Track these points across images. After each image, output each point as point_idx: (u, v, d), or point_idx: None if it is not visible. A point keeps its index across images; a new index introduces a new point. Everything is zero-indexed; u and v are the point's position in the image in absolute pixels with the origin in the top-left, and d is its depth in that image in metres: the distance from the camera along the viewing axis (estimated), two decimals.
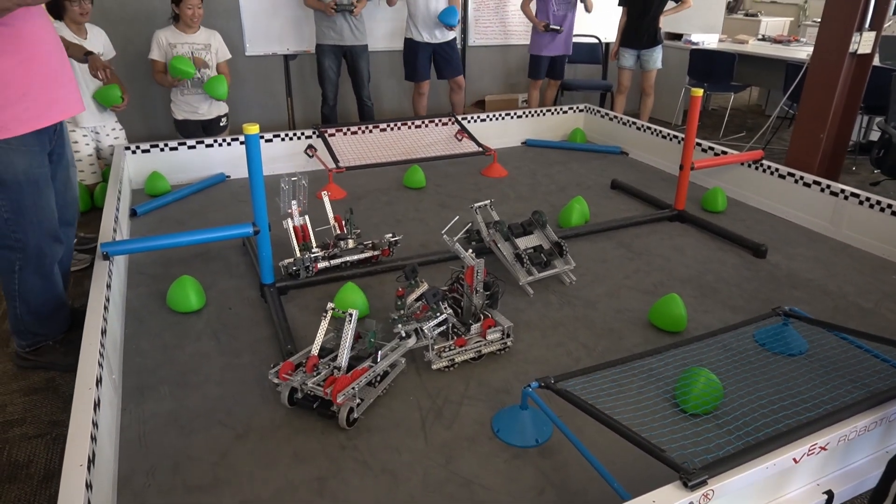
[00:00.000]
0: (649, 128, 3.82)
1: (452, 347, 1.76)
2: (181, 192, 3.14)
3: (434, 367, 1.76)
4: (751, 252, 2.57)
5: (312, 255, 2.22)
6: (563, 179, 3.49)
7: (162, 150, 3.32)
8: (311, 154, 3.52)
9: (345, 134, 3.63)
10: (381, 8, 4.68)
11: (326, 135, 3.51)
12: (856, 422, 1.31)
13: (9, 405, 1.94)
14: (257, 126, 1.91)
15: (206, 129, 3.79)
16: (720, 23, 6.74)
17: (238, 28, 4.45)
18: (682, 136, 3.26)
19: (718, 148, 3.33)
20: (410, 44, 4.50)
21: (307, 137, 3.57)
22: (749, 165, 3.16)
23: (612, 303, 2.18)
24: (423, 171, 3.34)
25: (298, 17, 4.55)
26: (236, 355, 1.86)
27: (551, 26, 4.75)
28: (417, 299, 1.82)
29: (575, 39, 5.09)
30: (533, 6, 4.88)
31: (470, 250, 1.96)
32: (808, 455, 1.24)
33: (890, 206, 2.54)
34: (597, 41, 5.67)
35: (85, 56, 2.98)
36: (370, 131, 3.70)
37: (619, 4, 5.01)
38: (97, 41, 3.30)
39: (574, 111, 4.37)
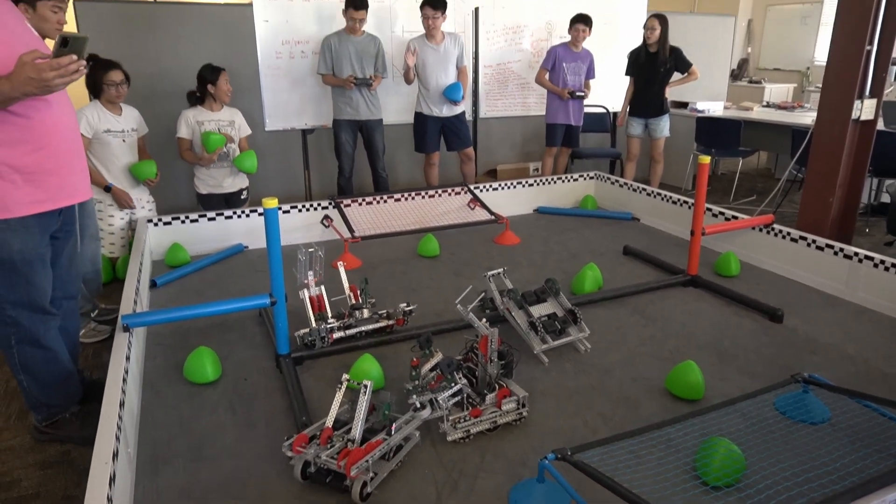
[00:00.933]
0: (659, 194, 3.88)
1: (468, 418, 1.75)
2: (200, 262, 3.21)
3: (449, 438, 1.74)
4: (767, 317, 2.55)
5: (328, 326, 2.24)
6: (576, 246, 3.52)
7: (183, 221, 3.42)
8: (327, 224, 3.60)
9: (360, 204, 3.72)
10: (395, 83, 4.89)
11: (342, 205, 3.60)
12: (885, 494, 1.27)
13: (24, 479, 1.94)
14: (276, 200, 1.98)
15: (227, 202, 3.91)
16: (725, 90, 6.94)
17: (258, 104, 4.65)
18: (692, 201, 3.30)
19: (729, 213, 3.37)
20: (420, 117, 4.68)
21: (323, 208, 3.67)
22: (760, 230, 3.18)
23: (628, 370, 2.16)
24: (436, 240, 3.39)
25: (316, 94, 4.76)
26: (251, 427, 1.85)
27: (577, 93, 4.94)
28: (432, 369, 1.83)
29: (585, 110, 5.26)
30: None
31: (484, 319, 1.97)
32: None
33: None
34: (605, 111, 5.85)
35: (106, 189, 3.21)
36: (385, 201, 3.79)
37: (626, 74, 5.19)
38: (130, 119, 3.48)
39: (585, 178, 4.45)
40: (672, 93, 5.26)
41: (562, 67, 4.97)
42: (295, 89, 4.73)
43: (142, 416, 1.91)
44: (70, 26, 2.67)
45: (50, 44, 2.14)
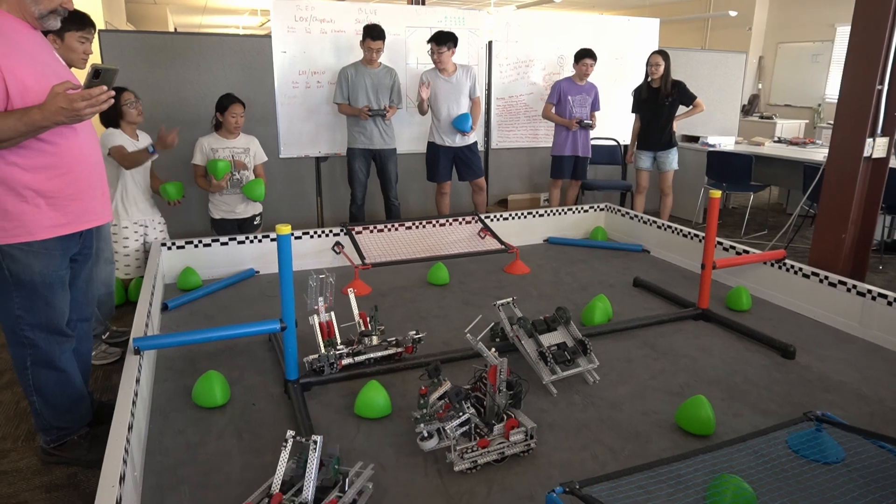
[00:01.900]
0: (670, 226, 3.88)
1: (475, 448, 1.74)
2: (211, 286, 3.23)
3: (456, 468, 1.73)
4: (779, 353, 2.53)
5: (337, 352, 2.25)
6: (586, 277, 3.52)
7: (196, 246, 3.46)
8: (338, 251, 3.63)
9: (371, 232, 3.75)
10: (409, 113, 4.97)
11: (354, 232, 3.63)
12: None
13: (30, 502, 1.93)
14: (289, 227, 2.00)
15: (240, 228, 3.95)
16: (736, 125, 6.97)
17: (274, 133, 4.73)
18: (703, 234, 3.30)
19: (740, 247, 3.36)
20: (433, 147, 4.74)
21: (335, 235, 3.70)
22: (772, 264, 3.17)
23: (637, 404, 2.14)
24: (446, 269, 3.41)
25: (330, 123, 4.84)
26: (258, 454, 1.85)
27: (584, 121, 4.99)
28: (440, 398, 1.82)
29: (593, 142, 5.30)
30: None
31: (493, 349, 1.97)
32: None
33: None
34: (615, 143, 5.89)
35: (150, 151, 3.21)
36: (396, 229, 3.82)
37: (633, 111, 5.25)
38: (146, 143, 3.54)
39: (595, 210, 4.47)
40: (682, 127, 5.30)
41: (567, 100, 5.04)
42: (310, 118, 4.81)
43: (149, 440, 1.91)
44: (94, 56, 2.75)
45: (76, 72, 2.21)
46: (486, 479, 1.73)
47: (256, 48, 4.95)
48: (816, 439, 1.82)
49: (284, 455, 1.56)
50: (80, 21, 2.56)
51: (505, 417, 1.82)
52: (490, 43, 5.24)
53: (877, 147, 3.25)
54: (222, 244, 3.51)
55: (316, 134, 4.86)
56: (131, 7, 11.78)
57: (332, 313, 2.39)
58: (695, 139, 6.44)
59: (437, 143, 4.69)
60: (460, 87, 4.62)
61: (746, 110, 9.25)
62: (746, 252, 3.30)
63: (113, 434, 1.53)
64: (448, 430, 1.72)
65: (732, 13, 10.07)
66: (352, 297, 2.51)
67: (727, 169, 5.73)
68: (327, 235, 3.70)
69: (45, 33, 2.03)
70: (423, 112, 4.65)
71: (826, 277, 2.90)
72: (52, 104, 1.69)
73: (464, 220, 3.99)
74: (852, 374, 2.37)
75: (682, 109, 5.10)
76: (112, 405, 1.69)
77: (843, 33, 9.01)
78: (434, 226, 3.90)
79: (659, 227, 3.97)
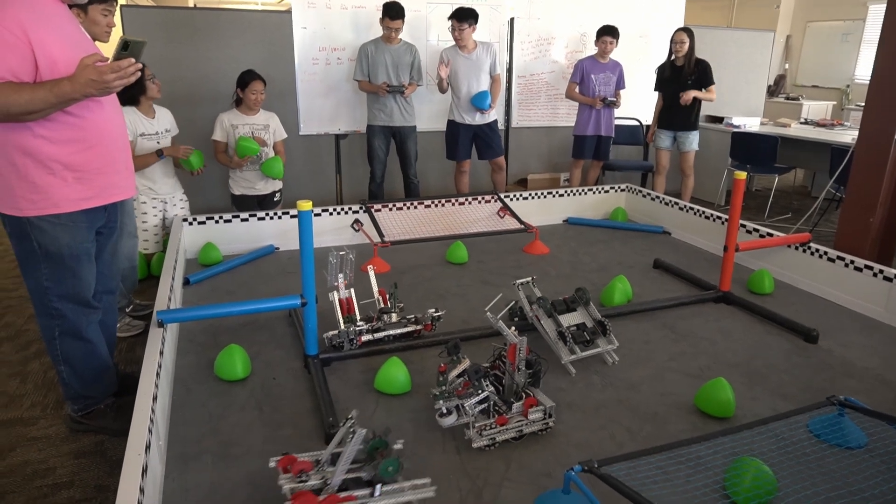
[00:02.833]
0: (692, 208, 3.83)
1: (493, 426, 1.75)
2: (232, 262, 3.26)
3: (475, 445, 1.74)
4: (801, 337, 2.50)
5: (357, 328, 2.26)
6: (605, 258, 3.50)
7: (217, 222, 3.49)
8: (357, 228, 3.63)
9: (390, 209, 3.75)
10: (429, 91, 4.93)
11: (373, 210, 3.63)
12: None
13: (59, 468, 1.99)
14: (310, 203, 2.00)
15: (261, 204, 3.98)
16: (761, 106, 6.83)
17: (294, 109, 4.73)
18: (726, 216, 3.25)
19: (763, 230, 3.31)
20: (452, 125, 4.70)
21: (354, 212, 3.70)
22: (796, 248, 3.12)
23: (656, 386, 2.13)
24: (465, 248, 3.40)
25: (350, 100, 4.82)
26: (278, 427, 1.87)
27: (609, 99, 4.91)
28: (459, 375, 1.83)
29: (616, 122, 5.23)
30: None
31: (513, 328, 1.97)
32: None
33: None
34: (637, 123, 5.80)
35: (159, 155, 3.31)
36: (415, 207, 3.81)
37: (655, 90, 5.16)
38: (164, 119, 3.57)
39: (616, 191, 4.42)
40: (707, 107, 5.19)
41: (590, 79, 4.96)
42: (330, 95, 4.79)
43: (172, 412, 1.94)
44: (116, 30, 2.75)
45: (99, 46, 2.21)
46: (504, 457, 1.74)
47: (276, 24, 4.93)
48: (838, 424, 1.80)
49: (339, 435, 1.51)
50: None
51: (524, 396, 1.83)
52: (512, 20, 5.16)
53: None
54: (243, 220, 3.54)
55: (336, 111, 4.84)
56: None
57: (352, 290, 2.40)
58: (719, 120, 6.32)
59: (457, 120, 4.65)
60: (480, 64, 4.57)
61: (772, 91, 9.05)
62: (770, 235, 3.25)
63: (139, 403, 1.56)
64: (467, 407, 1.73)
65: None
66: (371, 274, 2.52)
67: (752, 150, 5.63)
68: (346, 213, 3.70)
69: (70, 7, 2.04)
70: (443, 90, 4.62)
71: (852, 261, 2.85)
72: (82, 76, 1.70)
73: (483, 199, 3.97)
74: (876, 361, 2.34)
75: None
76: (136, 376, 1.72)
77: (875, 11, 8.72)
78: (453, 204, 3.89)
79: (681, 208, 3.91)
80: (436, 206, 3.86)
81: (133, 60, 1.75)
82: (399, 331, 2.34)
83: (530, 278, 2.51)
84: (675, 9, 5.70)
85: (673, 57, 4.94)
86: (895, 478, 1.58)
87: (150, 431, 1.48)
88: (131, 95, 3.31)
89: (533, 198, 4.16)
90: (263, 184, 3.98)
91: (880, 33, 3.21)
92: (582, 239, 3.87)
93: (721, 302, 2.85)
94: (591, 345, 2.26)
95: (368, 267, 2.59)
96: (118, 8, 2.76)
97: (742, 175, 2.67)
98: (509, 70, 5.23)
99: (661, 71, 5.08)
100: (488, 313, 2.07)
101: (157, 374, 1.76)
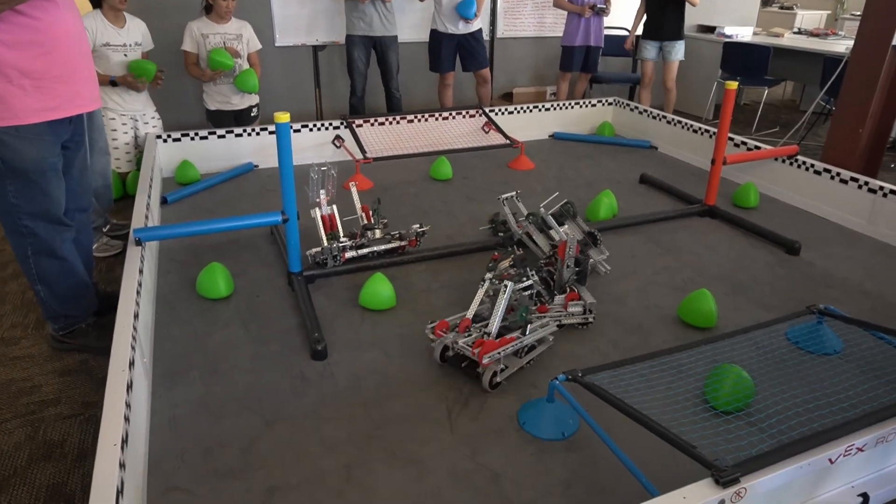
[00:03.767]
0: (679, 122, 3.76)
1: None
2: (210, 180, 3.17)
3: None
4: (784, 249, 2.51)
5: (340, 245, 2.23)
6: (591, 173, 3.45)
7: (192, 139, 3.36)
8: (338, 145, 3.53)
9: (372, 125, 3.63)
10: (411, 0, 4.67)
11: (354, 125, 3.52)
12: (894, 423, 1.27)
13: (44, 385, 1.99)
14: (288, 115, 1.92)
15: (237, 119, 3.83)
16: (755, 15, 6.60)
17: (268, 19, 4.48)
18: (714, 130, 3.20)
19: (751, 143, 3.26)
20: (435, 35, 4.49)
21: (335, 128, 3.59)
22: (783, 161, 3.09)
23: (640, 299, 2.15)
24: (449, 163, 3.33)
25: (328, 8, 4.56)
26: (264, 343, 1.87)
27: (598, 6, 4.68)
28: (511, 265, 1.97)
29: (605, 32, 5.03)
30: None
31: (565, 226, 2.15)
32: (844, 456, 1.21)
33: None
34: (627, 33, 5.60)
35: (112, 84, 3.21)
36: (397, 122, 3.70)
37: None
38: (136, 32, 3.35)
39: (603, 104, 4.31)
40: (699, 16, 4.97)
41: None
42: (306, 3, 4.53)
43: (156, 330, 1.93)
44: None
45: None
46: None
47: None
48: (816, 332, 1.84)
49: (480, 292, 1.81)
50: None
51: (568, 291, 1.96)
52: None
53: None
54: (219, 137, 3.42)
55: (313, 20, 4.60)
56: None
57: (335, 207, 2.35)
58: (711, 29, 6.11)
59: (440, 30, 4.44)
60: None
61: (766, 0, 8.74)
62: (758, 148, 3.21)
63: (119, 321, 1.54)
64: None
65: None
66: (353, 190, 2.47)
67: (743, 61, 5.48)
68: (327, 129, 3.59)
69: None
70: None
71: (838, 174, 2.83)
72: None
73: (467, 113, 3.85)
74: (856, 271, 2.37)
75: None
76: (117, 295, 1.69)
77: None
78: (437, 119, 3.78)
79: (668, 122, 3.84)
80: (419, 120, 3.75)
81: None
82: (383, 247, 2.31)
83: (514, 192, 2.47)
84: None
85: None
86: (868, 381, 1.62)
87: (132, 348, 1.47)
88: None
89: (518, 112, 4.05)
90: (239, 98, 3.81)
91: None
92: (568, 154, 3.81)
93: (706, 216, 2.85)
94: (584, 256, 2.26)
95: (351, 184, 2.53)
96: None
97: (733, 85, 2.59)
98: None
99: None
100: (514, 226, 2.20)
101: (138, 293, 1.73)
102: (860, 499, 1.32)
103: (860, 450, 1.23)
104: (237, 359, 1.80)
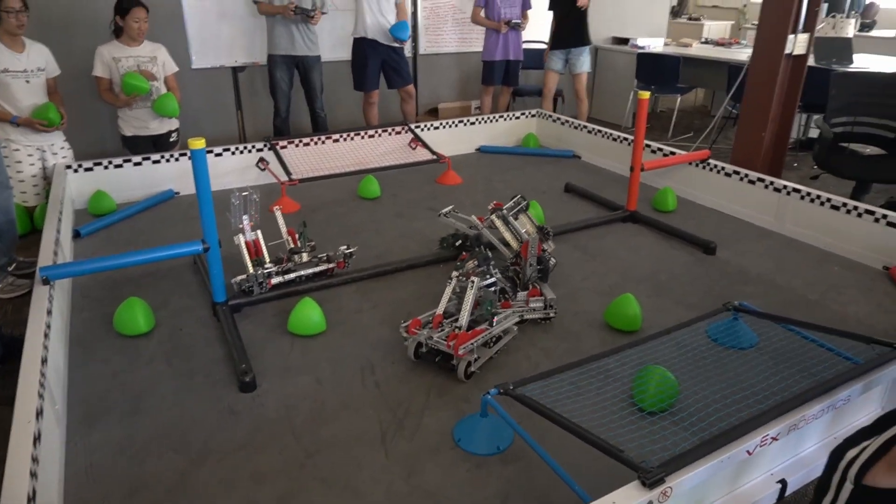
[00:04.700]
0: (600, 131, 3.89)
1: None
2: (128, 210, 3.04)
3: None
4: (701, 249, 2.63)
5: (265, 271, 2.18)
6: (519, 184, 3.52)
7: (106, 167, 3.21)
8: (262, 167, 3.45)
9: (297, 146, 3.58)
10: (331, 18, 4.65)
11: (278, 147, 3.46)
12: (804, 411, 1.35)
13: None
14: (203, 141, 1.86)
15: (156, 145, 3.70)
16: (665, 27, 6.95)
17: (183, 40, 4.36)
18: (632, 138, 3.32)
19: (667, 149, 3.41)
20: (360, 44, 4.45)
21: (258, 150, 3.51)
22: (697, 165, 3.25)
23: (569, 305, 2.19)
24: (377, 181, 3.32)
25: (247, 28, 4.49)
26: (190, 377, 1.80)
27: (513, 21, 4.80)
28: (476, 265, 2.07)
29: (525, 45, 5.16)
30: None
31: (526, 229, 2.23)
32: (760, 446, 1.27)
33: (829, 199, 2.64)
34: (546, 46, 5.76)
35: (13, 123, 3.11)
36: (323, 142, 3.66)
37: (549, 9, 5.10)
38: (37, 57, 3.19)
39: (527, 116, 4.41)
40: (613, 29, 5.17)
41: (495, 2, 4.83)
42: (223, 22, 4.44)
43: (70, 372, 1.82)
44: None
45: None
46: (424, 385, 1.75)
47: None
48: (733, 328, 1.93)
49: (448, 290, 1.91)
50: None
51: (531, 287, 2.07)
52: None
53: (798, 43, 3.30)
54: (136, 164, 3.28)
55: (231, 41, 4.51)
56: None
57: (259, 232, 2.29)
58: (625, 41, 6.38)
59: (367, 36, 4.39)
60: None
61: (675, 12, 9.20)
62: (673, 154, 3.36)
63: (24, 368, 1.45)
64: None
65: None
66: (278, 214, 2.42)
67: (656, 71, 5.75)
68: (250, 151, 3.50)
69: None
70: None
71: (746, 175, 3.00)
72: None
73: (393, 130, 3.86)
74: (768, 266, 2.50)
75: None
76: (22, 339, 1.58)
77: None
78: (363, 137, 3.77)
79: (589, 132, 3.97)
80: (345, 139, 3.72)
81: None
82: (311, 270, 2.27)
83: (451, 207, 2.50)
84: None
85: None
86: (780, 371, 1.71)
87: (40, 396, 1.38)
88: None
89: (444, 127, 4.09)
90: (158, 123, 3.68)
91: None
92: (495, 167, 3.87)
93: (629, 221, 2.95)
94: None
95: (275, 207, 2.47)
96: None
97: (645, 94, 2.70)
98: None
99: None
100: (484, 229, 2.33)
101: (46, 335, 1.62)
102: (779, 485, 1.39)
103: (775, 439, 1.29)
104: (160, 396, 1.72)
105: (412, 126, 3.91)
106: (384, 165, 3.45)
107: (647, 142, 3.33)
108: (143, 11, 3.46)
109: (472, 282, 1.85)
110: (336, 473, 1.45)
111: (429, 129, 4.01)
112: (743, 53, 5.92)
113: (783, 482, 1.40)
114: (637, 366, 1.72)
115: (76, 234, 2.75)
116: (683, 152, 3.36)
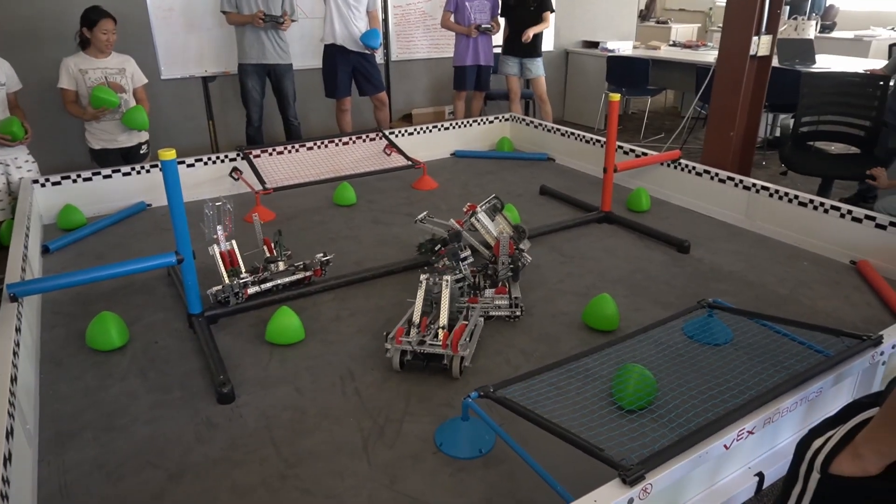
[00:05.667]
0: (573, 134, 3.93)
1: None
2: (98, 224, 2.98)
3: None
4: (675, 248, 2.67)
5: (241, 281, 2.15)
6: (494, 188, 3.53)
7: (75, 181, 3.16)
8: (236, 177, 3.42)
9: (270, 154, 3.55)
10: (301, 26, 4.64)
11: (252, 156, 3.43)
12: (778, 404, 1.37)
13: None
14: (173, 151, 1.84)
15: (125, 158, 3.64)
16: (633, 30, 7.06)
17: (152, 51, 4.31)
18: (605, 139, 3.37)
19: (639, 150, 3.46)
20: (330, 51, 4.44)
21: (231, 160, 3.48)
22: (668, 165, 3.30)
23: (547, 307, 2.21)
24: (353, 188, 3.31)
25: (216, 38, 4.45)
26: (166, 391, 1.77)
27: (483, 26, 4.84)
28: (444, 259, 2.09)
29: (495, 50, 5.20)
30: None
31: (500, 228, 2.26)
32: (737, 440, 1.29)
33: (797, 196, 2.70)
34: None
35: None
36: (297, 150, 3.64)
37: (501, 15, 5.17)
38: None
39: (500, 120, 4.44)
40: (582, 32, 5.25)
41: (465, 7, 4.87)
42: (192, 32, 4.40)
43: (42, 391, 1.78)
44: None
45: None
46: (405, 392, 1.75)
47: None
48: (708, 324, 1.96)
49: (420, 292, 1.88)
50: None
51: (500, 285, 2.10)
52: None
53: (761, 45, 3.38)
54: (105, 177, 3.22)
55: (200, 51, 4.47)
56: None
57: (234, 242, 2.27)
58: (595, 45, 6.46)
59: (336, 42, 4.39)
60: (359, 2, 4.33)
61: (644, 15, 9.35)
62: (644, 154, 3.40)
63: None
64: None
65: None
66: (257, 223, 2.39)
67: (626, 73, 5.83)
68: (223, 161, 3.47)
69: None
70: None
71: (717, 174, 3.05)
72: None
73: (368, 137, 3.86)
74: (741, 264, 2.55)
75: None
76: None
77: None
78: (337, 145, 3.76)
79: (563, 134, 4.01)
80: (319, 147, 3.71)
81: None
82: (287, 279, 2.25)
83: (425, 213, 2.49)
84: None
85: None
86: (754, 366, 1.74)
87: (10, 416, 1.34)
88: None
89: (418, 133, 4.10)
90: (127, 136, 3.63)
91: None
92: (470, 171, 3.88)
93: (604, 222, 2.98)
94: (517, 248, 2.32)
95: (253, 216, 2.45)
96: None
97: (616, 97, 2.74)
98: (385, 0, 5.02)
99: None
100: (464, 233, 2.30)
101: (15, 354, 1.59)
102: (756, 478, 1.41)
103: (751, 433, 1.31)
104: (136, 411, 1.69)
105: (386, 132, 3.91)
106: (359, 172, 3.44)
107: (619, 143, 3.37)
108: (111, 23, 3.42)
109: (447, 280, 1.86)
110: (318, 484, 1.43)
111: (403, 134, 4.02)
112: (710, 55, 6.04)
113: (760, 475, 1.43)
114: (616, 365, 1.73)
115: (45, 250, 2.69)
116: (655, 153, 3.42)
